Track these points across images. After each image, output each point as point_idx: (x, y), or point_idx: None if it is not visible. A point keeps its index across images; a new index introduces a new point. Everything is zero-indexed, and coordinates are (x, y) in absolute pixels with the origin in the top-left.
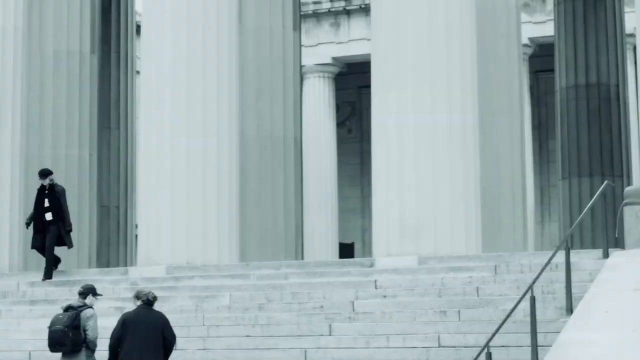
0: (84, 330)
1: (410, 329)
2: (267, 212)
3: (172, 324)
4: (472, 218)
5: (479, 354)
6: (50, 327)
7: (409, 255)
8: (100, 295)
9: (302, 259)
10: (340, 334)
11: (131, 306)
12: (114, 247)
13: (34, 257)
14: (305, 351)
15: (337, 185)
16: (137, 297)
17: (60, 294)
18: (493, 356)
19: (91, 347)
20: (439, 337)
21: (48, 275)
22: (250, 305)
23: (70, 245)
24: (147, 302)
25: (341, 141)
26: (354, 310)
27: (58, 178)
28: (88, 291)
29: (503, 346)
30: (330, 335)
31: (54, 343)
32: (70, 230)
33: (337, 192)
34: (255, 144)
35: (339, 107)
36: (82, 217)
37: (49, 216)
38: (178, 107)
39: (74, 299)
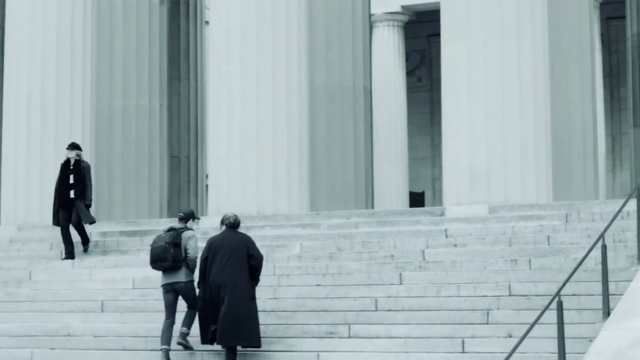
0: (185, 250)
1: (480, 278)
2: (337, 161)
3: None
4: (543, 166)
5: (550, 303)
6: (152, 245)
7: (480, 204)
8: (199, 219)
9: (373, 208)
10: (410, 283)
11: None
12: (185, 197)
13: (105, 208)
14: (376, 300)
15: (407, 134)
16: (222, 221)
17: (132, 244)
18: (564, 305)
19: (191, 266)
20: (509, 285)
21: (86, 247)
22: (320, 254)
23: (86, 221)
24: (231, 225)
25: (411, 90)
26: (424, 259)
27: (129, 129)
28: (188, 216)
29: (574, 295)
30: (400, 284)
31: (155, 259)
32: (90, 205)
33: (407, 141)
34: (324, 94)
35: (408, 56)
36: (152, 168)
37: (72, 193)
38: (247, 57)
39: (175, 223)
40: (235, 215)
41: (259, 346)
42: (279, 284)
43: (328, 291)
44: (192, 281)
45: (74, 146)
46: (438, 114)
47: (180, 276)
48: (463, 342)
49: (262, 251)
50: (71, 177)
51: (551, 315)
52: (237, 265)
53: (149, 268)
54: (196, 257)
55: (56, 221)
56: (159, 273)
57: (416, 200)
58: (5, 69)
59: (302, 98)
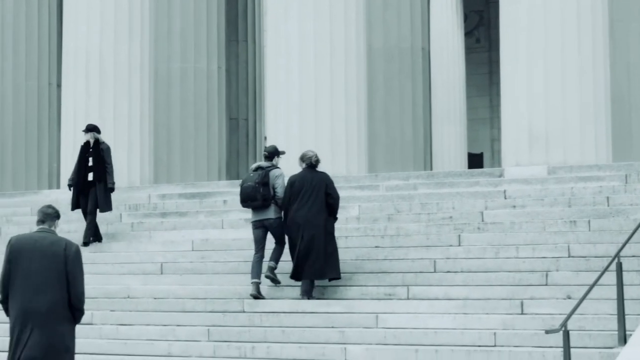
0: (273, 188)
1: (539, 239)
2: (396, 123)
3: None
4: (602, 127)
5: (610, 264)
6: (242, 184)
7: (539, 165)
8: (284, 152)
9: (431, 169)
10: (469, 244)
11: None
12: (243, 159)
13: (164, 170)
14: (435, 261)
15: (465, 95)
16: (302, 159)
17: (191, 207)
18: (623, 266)
19: (279, 204)
20: (568, 247)
21: (86, 241)
22: (379, 216)
23: (103, 208)
24: (310, 164)
25: (469, 51)
26: (483, 221)
27: (187, 91)
28: (273, 153)
29: (634, 256)
30: (459, 245)
31: (246, 198)
32: (112, 189)
33: (465, 102)
34: (382, 55)
35: (466, 17)
36: (211, 131)
37: (91, 176)
38: (305, 18)
39: (262, 162)
40: (315, 154)
41: (338, 278)
42: (338, 245)
43: (386, 253)
44: (281, 218)
45: (90, 128)
46: (497, 75)
47: (270, 213)
48: (522, 303)
49: None
50: (90, 159)
51: (610, 277)
52: (315, 204)
53: (208, 230)
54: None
55: (75, 205)
56: (218, 235)
57: (475, 161)
58: (64, 31)
59: (360, 59)
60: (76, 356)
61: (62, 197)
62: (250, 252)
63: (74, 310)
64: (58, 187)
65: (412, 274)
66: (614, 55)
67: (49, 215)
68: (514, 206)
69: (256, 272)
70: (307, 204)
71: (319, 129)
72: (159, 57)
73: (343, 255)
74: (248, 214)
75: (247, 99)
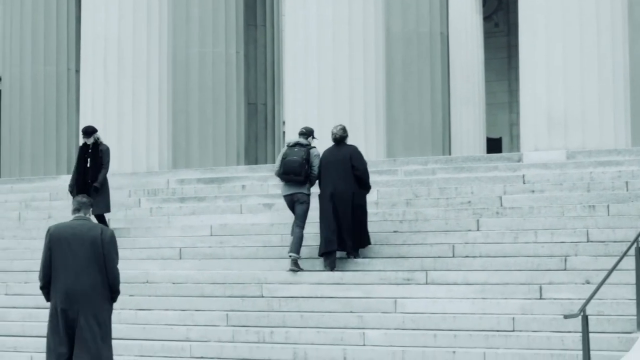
0: (311, 167)
1: (558, 224)
2: (414, 107)
3: (319, 220)
4: (622, 111)
5: (629, 249)
6: (285, 158)
7: (557, 150)
8: (316, 139)
9: (450, 154)
10: (487, 229)
11: (279, 202)
12: (262, 144)
13: (182, 156)
14: (453, 246)
15: (484, 79)
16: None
17: (210, 192)
18: None
19: (312, 182)
20: (587, 231)
21: None
22: (397, 200)
23: (97, 211)
24: (335, 140)
25: (488, 35)
26: (501, 205)
27: (206, 76)
28: (310, 132)
29: None
30: (478, 230)
31: (289, 172)
32: (97, 189)
33: (484, 87)
34: (401, 40)
35: (485, 1)
36: (229, 115)
37: (89, 178)
38: (323, 3)
39: (297, 138)
40: (341, 129)
41: (369, 244)
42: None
43: (405, 237)
44: (309, 195)
45: (90, 131)
46: (515, 59)
47: (303, 189)
48: (540, 288)
49: None
50: (89, 160)
51: (629, 262)
52: (343, 178)
53: (227, 215)
54: (317, 174)
55: None
56: (236, 220)
57: (493, 146)
58: (82, 17)
59: (379, 43)
60: None
61: None
62: (269, 237)
63: (112, 291)
64: None
65: (431, 258)
66: (633, 38)
67: (84, 204)
68: (533, 191)
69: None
70: (334, 178)
71: (337, 114)
72: (178, 43)
73: None
74: (266, 199)
75: (266, 83)
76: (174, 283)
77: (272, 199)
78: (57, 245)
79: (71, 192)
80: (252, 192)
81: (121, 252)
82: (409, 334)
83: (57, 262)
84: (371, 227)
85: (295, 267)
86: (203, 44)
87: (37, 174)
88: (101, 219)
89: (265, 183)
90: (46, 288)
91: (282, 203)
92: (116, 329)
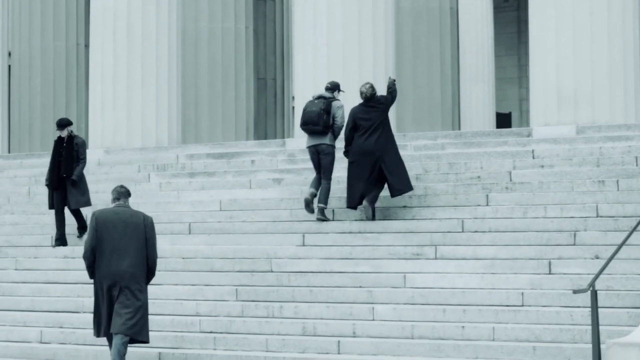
0: (333, 117)
1: (567, 199)
2: (424, 82)
3: (329, 194)
4: (631, 86)
5: (638, 224)
6: (305, 109)
7: (567, 125)
8: (343, 91)
9: (459, 129)
10: (497, 204)
11: (289, 177)
12: (271, 119)
13: (192, 130)
14: (462, 221)
15: (494, 54)
16: (360, 92)
17: (219, 166)
18: None
19: (336, 133)
20: (597, 206)
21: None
22: None
23: (75, 205)
24: (364, 98)
25: (497, 10)
26: (511, 180)
27: (215, 51)
28: (335, 87)
29: None
30: (487, 205)
31: (308, 122)
32: (75, 182)
33: (493, 62)
34: (410, 14)
35: None
36: (238, 90)
37: (63, 172)
38: None
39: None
40: (370, 87)
41: (411, 189)
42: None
43: (414, 212)
44: (334, 146)
45: (62, 124)
46: (525, 34)
47: (325, 139)
48: (550, 263)
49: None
50: (63, 154)
51: (639, 237)
52: (376, 132)
53: (236, 190)
54: (342, 125)
55: (51, 203)
56: (246, 195)
57: (503, 121)
58: None
59: (388, 19)
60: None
61: (90, 157)
62: (278, 212)
63: (149, 272)
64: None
65: (440, 233)
66: None
67: (123, 194)
68: (542, 166)
69: (315, 185)
70: (368, 133)
71: (347, 89)
72: (187, 17)
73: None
74: (276, 174)
75: (275, 58)
76: (183, 258)
77: (282, 174)
78: (102, 228)
79: (48, 186)
80: (262, 167)
81: None
82: (418, 308)
83: (102, 245)
84: (380, 202)
85: (323, 216)
86: (212, 19)
87: (47, 149)
88: (78, 214)
89: (275, 158)
90: (91, 267)
91: (291, 178)
92: None
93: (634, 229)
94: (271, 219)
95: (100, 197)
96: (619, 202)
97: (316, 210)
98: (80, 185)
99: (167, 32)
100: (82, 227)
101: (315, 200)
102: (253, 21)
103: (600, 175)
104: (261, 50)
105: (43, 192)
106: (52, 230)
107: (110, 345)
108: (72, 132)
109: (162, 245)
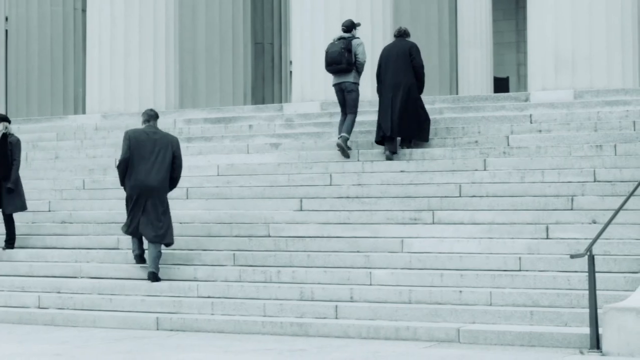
0: (355, 55)
1: (565, 164)
2: (421, 47)
3: (326, 159)
4: (630, 51)
5: (635, 189)
6: (327, 51)
7: (565, 89)
8: (359, 24)
9: (457, 93)
10: (494, 169)
11: (286, 141)
12: (269, 84)
13: (189, 95)
14: (460, 186)
15: (491, 19)
16: (394, 33)
17: (217, 131)
18: None
19: (359, 70)
20: (594, 171)
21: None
22: None
23: (8, 209)
24: (397, 34)
25: None
26: (508, 145)
27: (212, 16)
28: (350, 26)
29: None
30: (484, 170)
31: (331, 62)
32: (11, 190)
33: (491, 26)
34: None
35: None
36: (236, 55)
37: None
38: None
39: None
40: (401, 27)
41: (426, 141)
42: (363, 170)
43: (412, 177)
44: (357, 84)
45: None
46: None
47: (349, 77)
48: (547, 228)
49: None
50: None
51: (636, 201)
52: (401, 69)
53: (233, 155)
54: (364, 62)
55: None
56: (243, 160)
57: (500, 85)
58: None
59: None
60: (101, 281)
61: (87, 122)
62: (275, 177)
63: (173, 183)
64: (84, 112)
65: (438, 198)
66: None
67: (152, 116)
68: (540, 130)
69: (342, 128)
70: (394, 70)
71: None
72: None
73: (368, 179)
74: (273, 139)
75: (273, 23)
76: (180, 223)
77: (279, 139)
78: (135, 146)
79: None
80: (259, 132)
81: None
82: (415, 273)
83: (134, 160)
84: (377, 167)
85: (345, 146)
86: None
87: (44, 114)
88: (10, 220)
89: (272, 123)
90: (123, 177)
91: (289, 143)
92: (123, 269)
93: (631, 193)
94: (268, 183)
95: (97, 162)
96: (617, 167)
97: (339, 140)
98: (16, 189)
99: None
100: (10, 240)
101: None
102: None
103: (598, 140)
104: (259, 15)
105: (41, 157)
106: (50, 195)
107: (134, 240)
108: (7, 129)
109: None
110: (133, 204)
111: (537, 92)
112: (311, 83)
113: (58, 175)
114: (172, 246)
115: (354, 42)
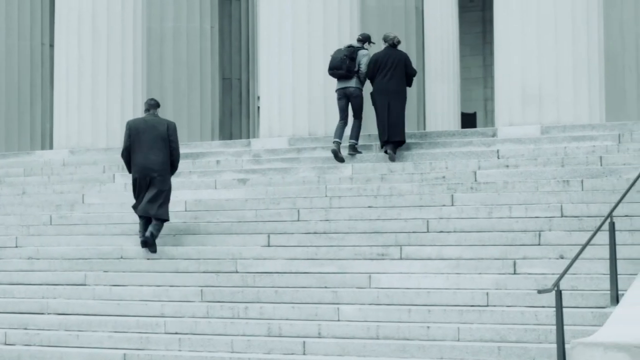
0: (358, 64)
1: (532, 199)
2: None
3: (294, 195)
4: (596, 86)
5: (602, 224)
6: (332, 55)
7: (532, 125)
8: (374, 43)
9: (424, 129)
10: (462, 204)
11: (254, 177)
12: (237, 119)
13: None
14: (427, 221)
15: (459, 54)
16: (384, 40)
17: (184, 167)
18: (616, 226)
19: (361, 79)
20: (561, 206)
21: None
22: (372, 176)
23: None
24: (392, 44)
25: (463, 10)
26: (476, 180)
27: (180, 51)
28: (365, 39)
29: (626, 216)
30: (452, 205)
31: (333, 67)
32: None
33: (459, 61)
34: (376, 14)
35: None
36: (204, 90)
37: None
38: None
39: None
40: (395, 36)
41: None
42: (331, 205)
43: (379, 213)
44: (361, 89)
45: None
46: (490, 34)
47: (351, 83)
48: (515, 263)
49: (313, 173)
50: None
51: (603, 236)
52: (395, 76)
53: (201, 190)
54: (367, 73)
55: None
56: (211, 196)
57: (468, 120)
58: None
59: (354, 18)
60: (68, 317)
61: (55, 157)
62: (243, 212)
63: (173, 166)
64: (51, 147)
65: (405, 233)
66: (608, 13)
67: (152, 105)
68: (507, 166)
69: (338, 134)
70: (388, 76)
71: (312, 89)
72: (152, 17)
73: (336, 215)
74: (241, 175)
75: (240, 58)
76: (148, 259)
77: (247, 175)
78: (135, 133)
79: None
80: (227, 168)
81: (95, 228)
82: (383, 309)
83: (135, 145)
84: (345, 202)
85: (354, 151)
86: (178, 18)
87: (11, 149)
88: None
89: (240, 158)
90: (128, 163)
91: (256, 179)
92: (90, 305)
93: (598, 228)
94: (236, 219)
95: (65, 197)
96: (584, 202)
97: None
98: None
99: (132, 31)
100: None
101: (344, 151)
102: (218, 21)
103: (565, 175)
104: (226, 50)
105: (7, 193)
106: (17, 231)
107: (140, 223)
108: None
109: (127, 245)
110: (138, 187)
111: (504, 127)
112: (279, 118)
113: (25, 211)
114: (140, 282)
115: (361, 52)
